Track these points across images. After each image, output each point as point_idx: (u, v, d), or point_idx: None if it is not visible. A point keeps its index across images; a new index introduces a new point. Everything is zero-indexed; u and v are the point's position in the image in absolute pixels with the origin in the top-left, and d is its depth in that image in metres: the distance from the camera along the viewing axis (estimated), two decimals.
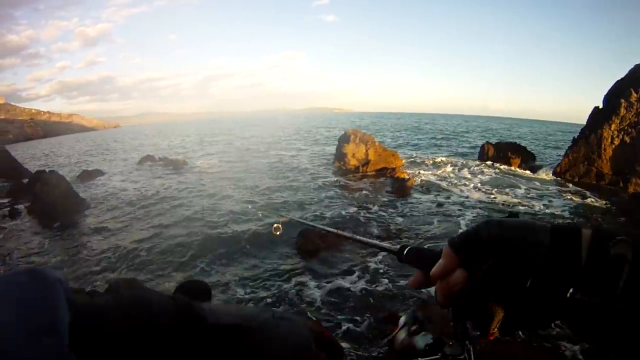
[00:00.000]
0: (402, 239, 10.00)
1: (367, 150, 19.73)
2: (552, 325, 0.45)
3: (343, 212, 12.32)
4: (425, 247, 0.59)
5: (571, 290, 0.40)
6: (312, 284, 7.49)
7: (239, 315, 0.45)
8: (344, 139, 20.64)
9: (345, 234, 0.88)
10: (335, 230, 0.96)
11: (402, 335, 0.66)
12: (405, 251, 0.60)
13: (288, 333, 0.45)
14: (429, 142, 36.16)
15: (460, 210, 12.56)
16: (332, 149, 24.33)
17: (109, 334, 0.31)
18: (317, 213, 12.59)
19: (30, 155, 39.02)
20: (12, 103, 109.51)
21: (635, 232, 0.42)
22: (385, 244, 0.70)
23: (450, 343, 0.60)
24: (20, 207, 14.65)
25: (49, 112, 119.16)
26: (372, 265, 8.02)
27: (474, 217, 11.78)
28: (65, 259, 9.89)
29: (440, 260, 0.51)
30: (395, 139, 39.93)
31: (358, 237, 0.81)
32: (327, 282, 7.49)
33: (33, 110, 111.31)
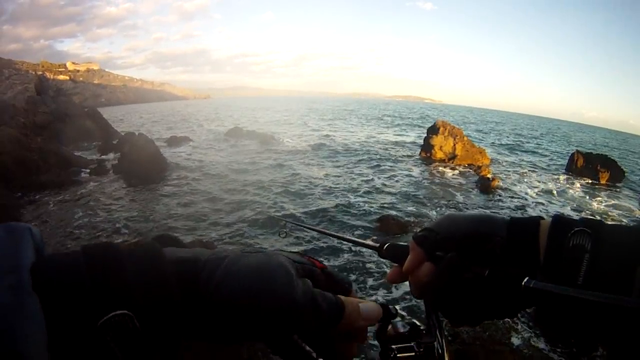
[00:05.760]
0: None
1: (454, 144, 19.25)
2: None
3: (423, 200, 12.84)
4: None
5: (526, 279, 0.40)
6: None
7: (201, 252, 0.41)
8: (432, 130, 20.14)
9: (331, 232, 0.88)
10: (321, 229, 0.99)
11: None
12: (385, 247, 0.61)
13: (255, 260, 0.39)
14: (518, 143, 35.06)
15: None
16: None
17: (70, 279, 0.32)
18: (397, 195, 13.07)
19: (120, 118, 41.75)
20: (107, 70, 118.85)
21: (596, 221, 0.43)
22: (367, 242, 0.70)
23: (424, 332, 0.58)
24: (108, 164, 15.20)
25: (141, 80, 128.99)
26: None
27: None
28: (141, 217, 10.35)
29: (409, 255, 0.52)
30: (483, 135, 38.87)
31: (342, 235, 0.82)
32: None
33: (126, 77, 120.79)
